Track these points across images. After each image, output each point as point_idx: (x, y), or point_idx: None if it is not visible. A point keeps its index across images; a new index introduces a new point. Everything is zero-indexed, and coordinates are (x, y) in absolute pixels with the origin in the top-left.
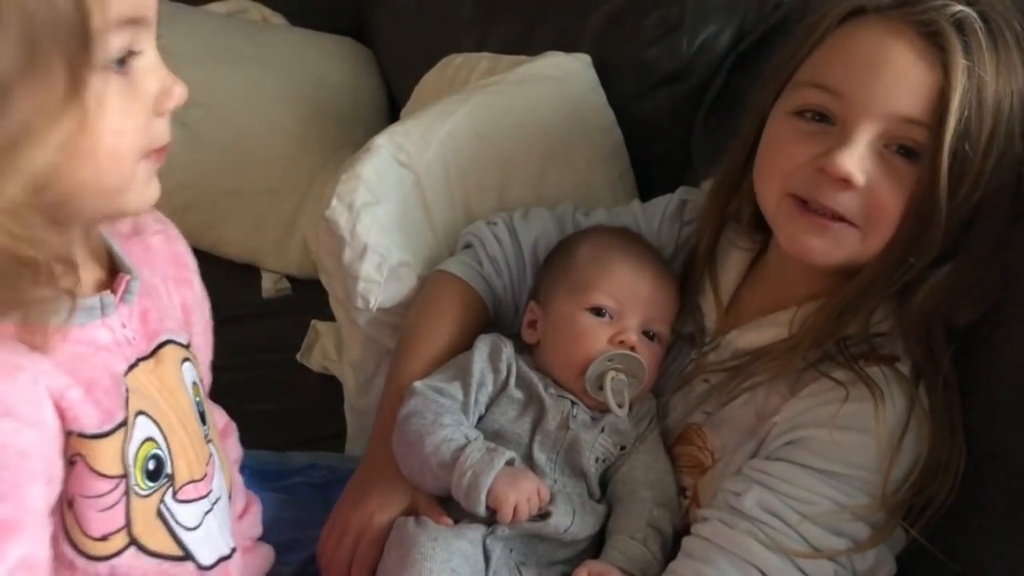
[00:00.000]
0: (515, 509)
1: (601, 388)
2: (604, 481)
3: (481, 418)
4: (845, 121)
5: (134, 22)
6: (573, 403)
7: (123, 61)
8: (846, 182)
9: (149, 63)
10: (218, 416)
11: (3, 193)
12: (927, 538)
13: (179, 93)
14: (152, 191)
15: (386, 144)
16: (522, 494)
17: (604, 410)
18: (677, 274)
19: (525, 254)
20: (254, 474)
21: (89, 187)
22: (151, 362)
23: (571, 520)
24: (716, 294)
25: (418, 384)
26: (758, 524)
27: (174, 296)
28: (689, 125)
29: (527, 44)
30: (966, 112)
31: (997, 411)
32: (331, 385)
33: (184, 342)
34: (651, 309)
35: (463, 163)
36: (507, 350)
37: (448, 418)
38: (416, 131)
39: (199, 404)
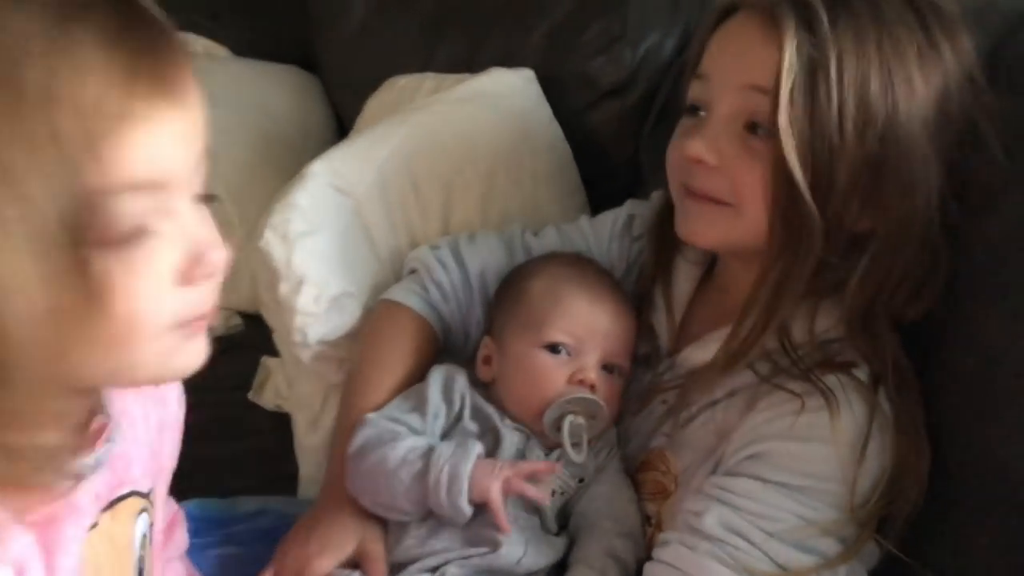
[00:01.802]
0: (506, 484)
1: (559, 430)
2: (567, 513)
3: None
4: (709, 105)
5: (152, 186)
6: (529, 437)
7: (131, 236)
8: (700, 162)
9: (172, 231)
10: (165, 509)
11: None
12: (898, 546)
13: (215, 260)
14: (192, 357)
15: (322, 170)
16: (505, 473)
17: (561, 447)
18: (632, 292)
19: (472, 278)
20: (200, 524)
21: (106, 362)
22: (107, 516)
23: (523, 550)
24: (669, 311)
25: (371, 415)
26: (720, 545)
27: (151, 418)
28: (638, 136)
29: (472, 63)
30: (800, 80)
31: (961, 410)
32: (287, 423)
33: (145, 491)
34: (610, 343)
35: (405, 186)
36: (460, 380)
37: (407, 435)
38: (354, 155)
39: (141, 560)
